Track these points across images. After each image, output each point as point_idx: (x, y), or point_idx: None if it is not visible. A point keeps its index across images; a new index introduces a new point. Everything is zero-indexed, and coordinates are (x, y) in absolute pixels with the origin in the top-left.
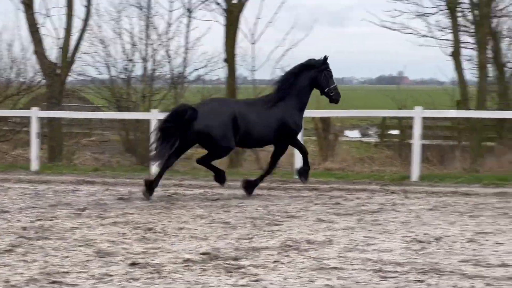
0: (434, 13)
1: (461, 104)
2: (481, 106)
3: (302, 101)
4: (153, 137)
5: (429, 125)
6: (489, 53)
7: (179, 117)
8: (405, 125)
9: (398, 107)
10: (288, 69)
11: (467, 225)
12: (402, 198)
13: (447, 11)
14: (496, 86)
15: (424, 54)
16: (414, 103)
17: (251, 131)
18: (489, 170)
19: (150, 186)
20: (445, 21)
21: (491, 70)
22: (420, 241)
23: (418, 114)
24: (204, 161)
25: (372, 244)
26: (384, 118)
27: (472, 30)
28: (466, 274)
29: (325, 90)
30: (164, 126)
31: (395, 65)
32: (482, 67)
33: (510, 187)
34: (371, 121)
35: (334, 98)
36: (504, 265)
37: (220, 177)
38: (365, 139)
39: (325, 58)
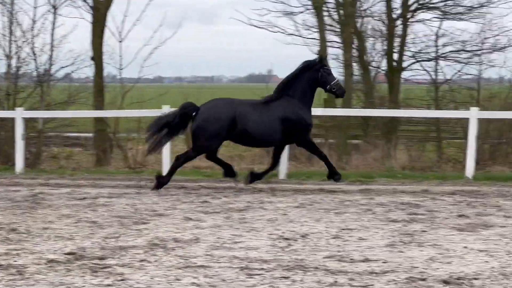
0: (301, 12)
1: (328, 102)
2: (347, 104)
3: (306, 102)
4: (154, 129)
5: None
6: (355, 52)
7: (185, 112)
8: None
9: None
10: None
11: (333, 221)
12: (270, 196)
13: (313, 10)
14: (361, 84)
15: (293, 52)
16: None
17: (250, 131)
18: (354, 167)
19: (229, 172)
20: (312, 20)
21: (356, 68)
22: (287, 238)
23: None
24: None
25: (239, 242)
26: None
27: (337, 30)
28: (330, 270)
29: (327, 87)
30: (171, 121)
31: (265, 63)
32: (347, 66)
33: (374, 184)
34: None
35: (338, 93)
36: (366, 260)
37: (161, 183)
38: None
39: (320, 57)
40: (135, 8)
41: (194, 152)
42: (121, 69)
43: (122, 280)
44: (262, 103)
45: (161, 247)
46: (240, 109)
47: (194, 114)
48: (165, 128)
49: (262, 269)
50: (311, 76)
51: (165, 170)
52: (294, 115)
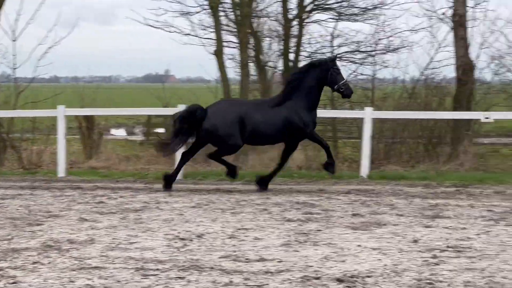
0: (198, 12)
1: None
2: None
3: (311, 100)
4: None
5: None
6: (251, 52)
7: (191, 116)
8: (170, 123)
9: (162, 105)
10: (294, 70)
11: (229, 221)
12: (166, 196)
13: (210, 10)
14: (257, 84)
15: (191, 52)
16: (179, 101)
17: (258, 130)
18: (251, 167)
19: (169, 179)
20: (208, 20)
21: (253, 68)
22: (182, 239)
23: None
24: (215, 156)
25: (135, 242)
26: (150, 116)
27: (234, 30)
28: (225, 270)
29: (335, 87)
30: (177, 125)
31: (162, 63)
32: (244, 66)
33: (271, 184)
34: (138, 120)
35: (345, 93)
36: (262, 259)
37: (232, 172)
38: (131, 138)
39: (332, 57)
40: (29, 6)
41: (223, 152)
42: (15, 68)
43: (14, 283)
44: (268, 102)
45: (55, 248)
46: (247, 109)
47: (201, 116)
48: (178, 133)
49: (158, 269)
50: (319, 75)
51: (60, 170)
52: (296, 117)
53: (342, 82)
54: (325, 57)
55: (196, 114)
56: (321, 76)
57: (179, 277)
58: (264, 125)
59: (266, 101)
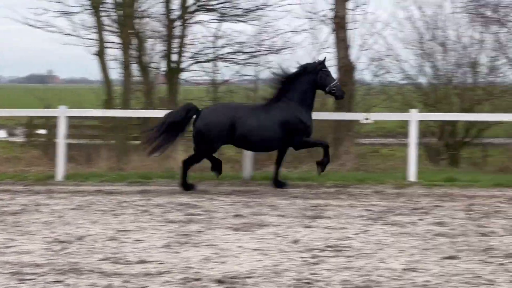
0: (79, 12)
1: (107, 103)
2: (126, 105)
3: (305, 104)
4: (157, 130)
5: (76, 124)
6: (134, 53)
7: (186, 115)
8: (52, 124)
9: (44, 106)
10: (284, 74)
11: (110, 223)
12: (46, 198)
13: (91, 10)
14: (141, 85)
15: (75, 52)
16: (61, 102)
17: (250, 135)
18: (134, 168)
19: (217, 168)
20: (90, 20)
21: (136, 69)
22: (62, 241)
23: (62, 113)
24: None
25: (12, 246)
26: (32, 117)
27: (116, 30)
28: (105, 272)
29: (326, 89)
30: (171, 122)
31: (45, 64)
32: (126, 67)
33: (152, 185)
34: (19, 121)
35: (337, 95)
36: (142, 261)
37: (188, 186)
38: (12, 139)
39: (321, 61)
40: None
41: (198, 156)
42: None
43: None
44: (262, 107)
45: None
46: (240, 114)
47: (195, 116)
48: (170, 129)
49: (35, 273)
50: (310, 79)
51: None
52: (294, 119)
53: (333, 83)
54: (312, 61)
55: (190, 113)
56: (311, 80)
57: (57, 281)
58: (257, 130)
59: (261, 106)
